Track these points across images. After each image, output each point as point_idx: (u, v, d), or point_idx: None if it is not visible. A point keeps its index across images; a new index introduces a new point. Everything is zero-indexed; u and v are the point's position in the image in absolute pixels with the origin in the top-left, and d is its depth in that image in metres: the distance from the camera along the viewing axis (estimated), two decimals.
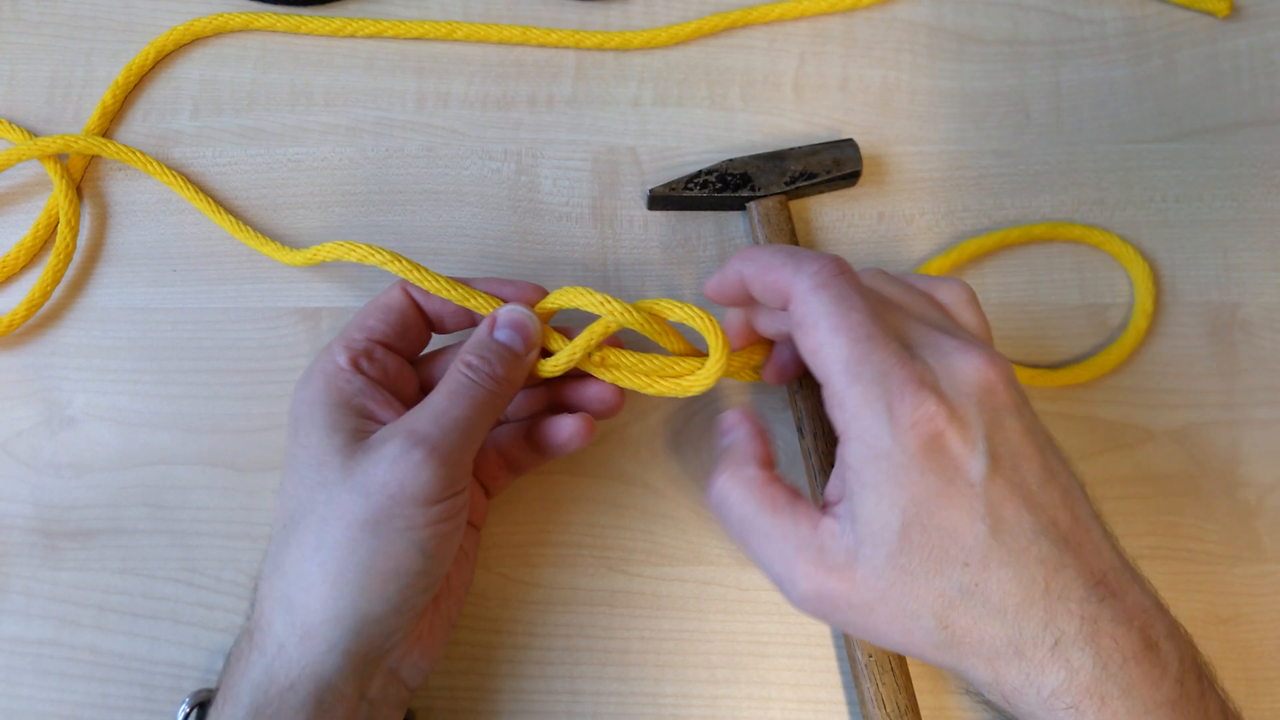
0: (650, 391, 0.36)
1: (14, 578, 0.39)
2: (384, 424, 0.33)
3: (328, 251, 0.38)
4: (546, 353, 0.36)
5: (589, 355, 0.36)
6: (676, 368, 0.36)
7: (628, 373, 0.36)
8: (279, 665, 0.30)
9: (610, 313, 0.35)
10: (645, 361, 0.36)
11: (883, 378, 0.29)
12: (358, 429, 0.33)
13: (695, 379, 0.35)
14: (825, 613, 0.30)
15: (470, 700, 0.38)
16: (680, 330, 0.37)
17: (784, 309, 0.32)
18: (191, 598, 0.39)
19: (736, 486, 0.32)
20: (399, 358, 0.37)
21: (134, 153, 0.43)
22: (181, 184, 0.43)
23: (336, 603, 0.30)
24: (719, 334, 0.34)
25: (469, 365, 0.34)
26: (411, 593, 0.31)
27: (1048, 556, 0.28)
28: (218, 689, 0.32)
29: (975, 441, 0.29)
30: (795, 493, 0.32)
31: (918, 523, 0.28)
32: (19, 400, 0.41)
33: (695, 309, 0.35)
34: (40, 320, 0.42)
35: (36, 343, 0.42)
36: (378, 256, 0.36)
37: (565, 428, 0.36)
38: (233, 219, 0.43)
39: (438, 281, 0.36)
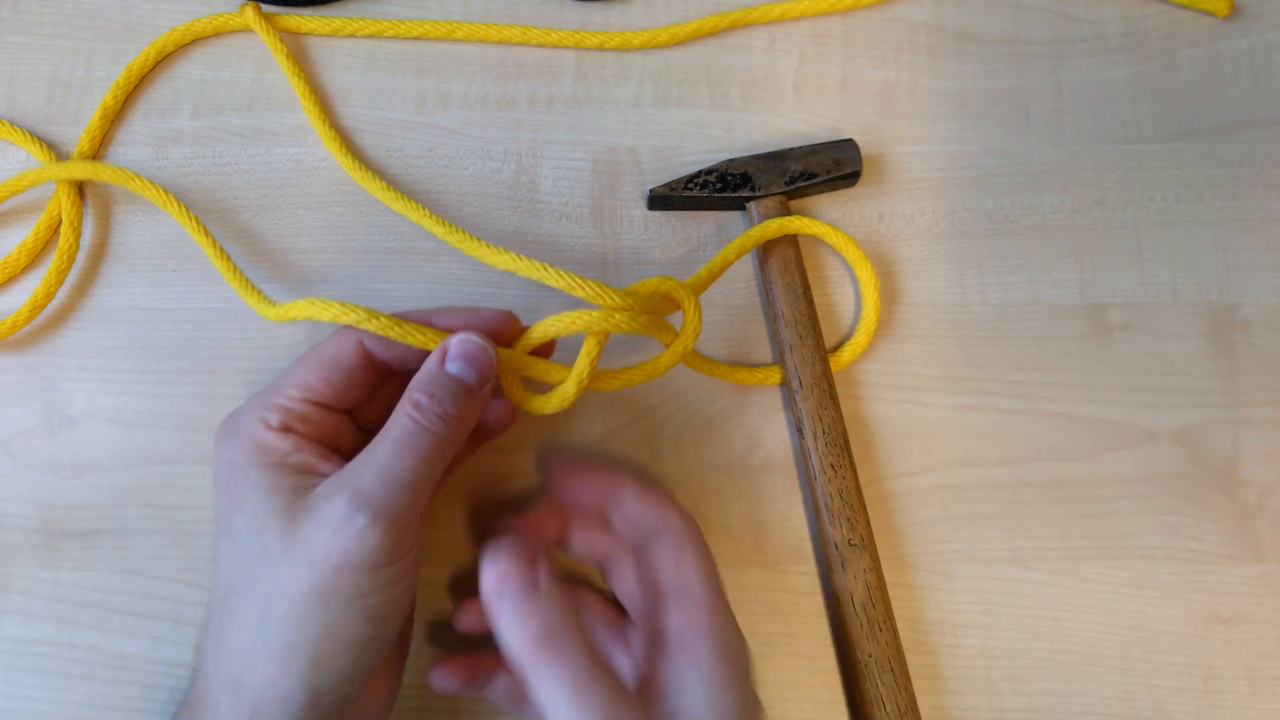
0: (654, 376, 0.36)
1: (14, 578, 0.39)
2: (324, 476, 0.31)
3: (299, 310, 0.34)
4: (543, 386, 0.35)
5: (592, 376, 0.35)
6: (657, 361, 0.36)
7: (628, 377, 0.36)
8: None
9: (599, 323, 0.33)
10: (636, 370, 0.36)
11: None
12: (296, 486, 0.30)
13: (680, 340, 0.35)
14: None
15: (470, 700, 0.38)
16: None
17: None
18: (191, 598, 0.39)
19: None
20: (339, 412, 0.34)
21: (156, 189, 0.42)
22: (195, 226, 0.42)
23: (286, 682, 0.29)
24: (688, 294, 0.35)
25: (417, 406, 0.31)
26: (363, 661, 0.30)
27: None
28: None
29: None
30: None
31: None
32: (19, 400, 0.41)
33: (662, 282, 0.35)
34: (41, 320, 0.42)
35: (37, 343, 0.42)
36: (352, 315, 0.32)
37: (492, 412, 0.36)
38: (227, 261, 0.40)
39: (422, 335, 0.33)
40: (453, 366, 0.32)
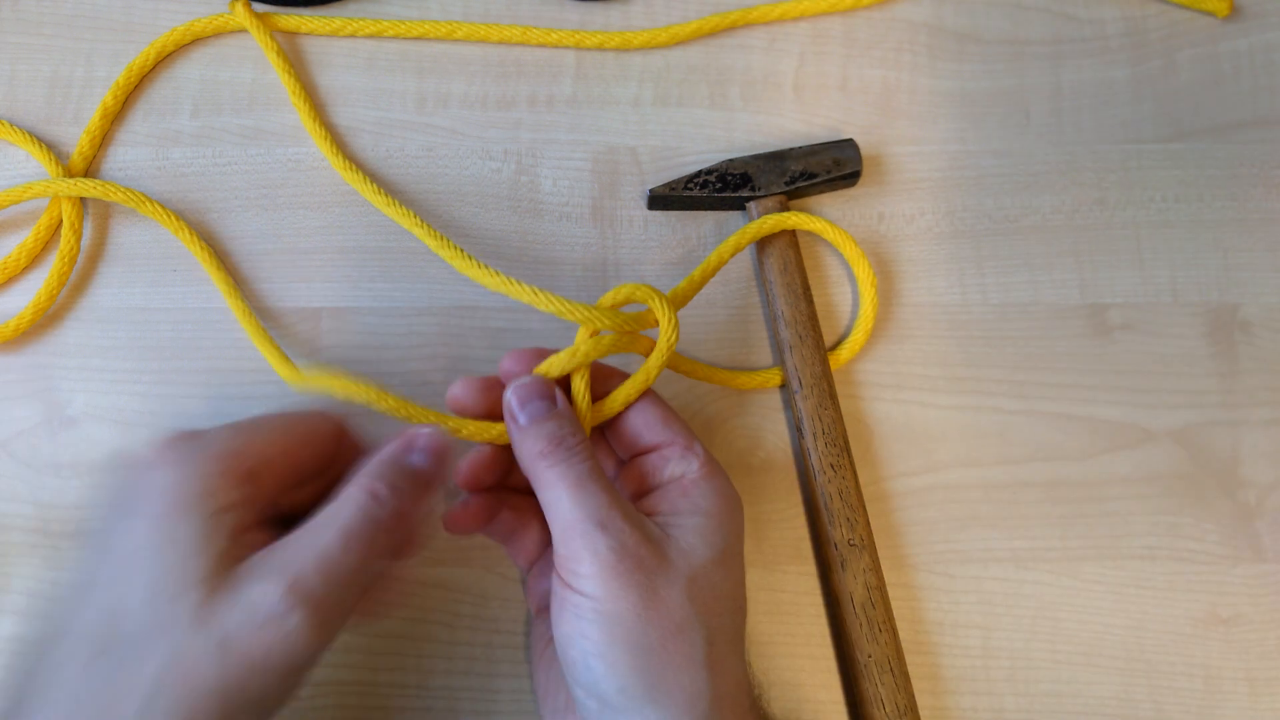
0: (650, 382, 0.36)
1: (14, 578, 0.39)
2: (256, 543, 0.28)
3: (318, 382, 0.34)
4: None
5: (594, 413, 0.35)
6: (646, 366, 0.35)
7: (627, 394, 0.36)
8: None
9: (571, 363, 0.34)
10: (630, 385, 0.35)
11: None
12: (226, 552, 0.27)
13: (659, 349, 0.35)
14: None
15: (470, 700, 0.38)
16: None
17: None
18: None
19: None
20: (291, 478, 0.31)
21: (167, 213, 0.42)
22: (222, 281, 0.42)
23: None
24: (661, 304, 0.35)
25: (375, 497, 0.29)
26: None
27: None
28: None
29: None
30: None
31: None
32: (19, 400, 0.41)
33: (629, 290, 0.35)
34: (41, 321, 0.42)
35: (37, 343, 0.42)
36: (362, 394, 0.33)
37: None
38: (241, 303, 0.41)
39: (426, 417, 0.33)
40: (418, 458, 0.31)
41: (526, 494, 0.36)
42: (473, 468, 0.34)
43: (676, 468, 0.34)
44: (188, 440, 0.29)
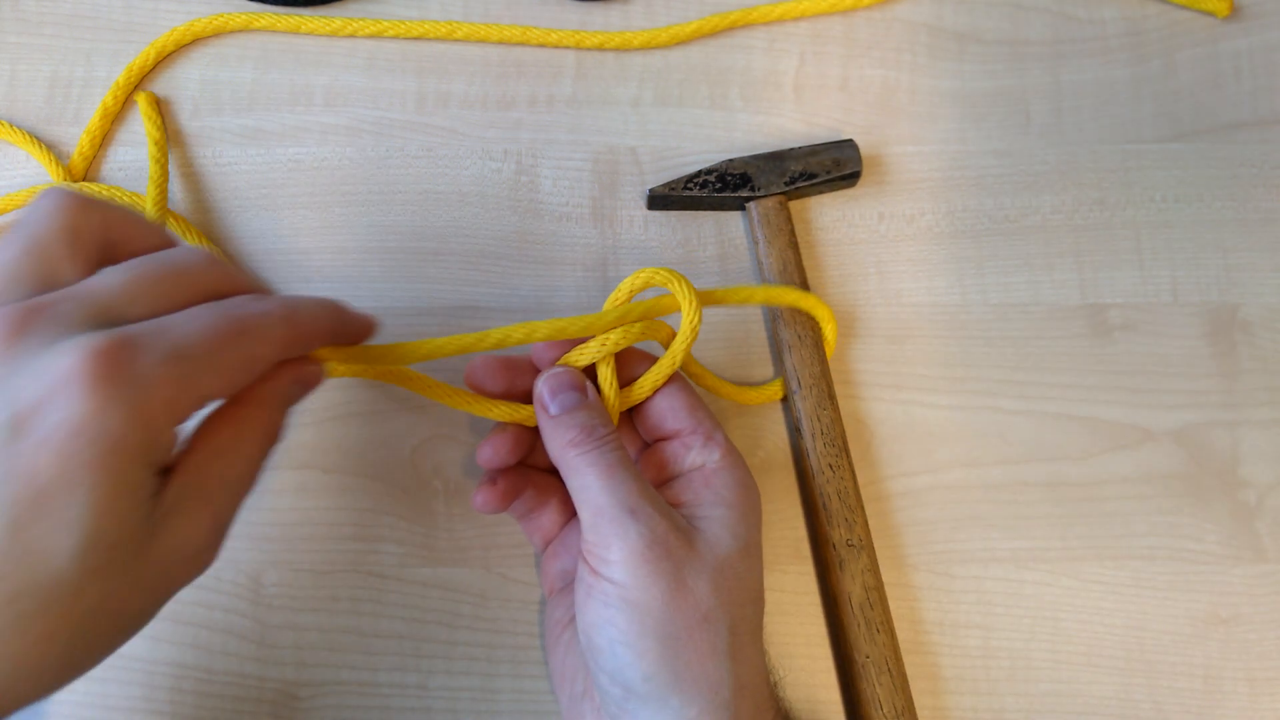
0: (676, 364, 0.36)
1: None
2: (165, 475, 0.26)
3: (346, 369, 0.35)
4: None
5: (622, 399, 0.35)
6: (672, 349, 0.36)
7: (654, 378, 0.36)
8: None
9: (599, 353, 0.34)
10: (657, 369, 0.36)
11: None
12: (156, 492, 0.25)
13: (683, 331, 0.35)
14: None
15: (470, 700, 0.38)
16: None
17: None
18: (191, 598, 0.39)
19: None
20: None
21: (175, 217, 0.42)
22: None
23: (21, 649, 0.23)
24: (684, 286, 0.35)
25: (276, 428, 0.29)
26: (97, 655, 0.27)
27: None
28: None
29: None
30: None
31: None
32: None
33: (649, 275, 0.35)
34: None
35: None
36: (400, 378, 0.35)
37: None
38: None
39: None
40: (297, 391, 0.30)
41: (547, 472, 0.37)
42: (496, 447, 0.35)
43: (698, 457, 0.35)
44: (131, 367, 0.24)
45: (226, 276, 0.29)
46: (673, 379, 0.36)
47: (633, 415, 0.38)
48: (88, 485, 0.23)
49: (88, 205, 0.27)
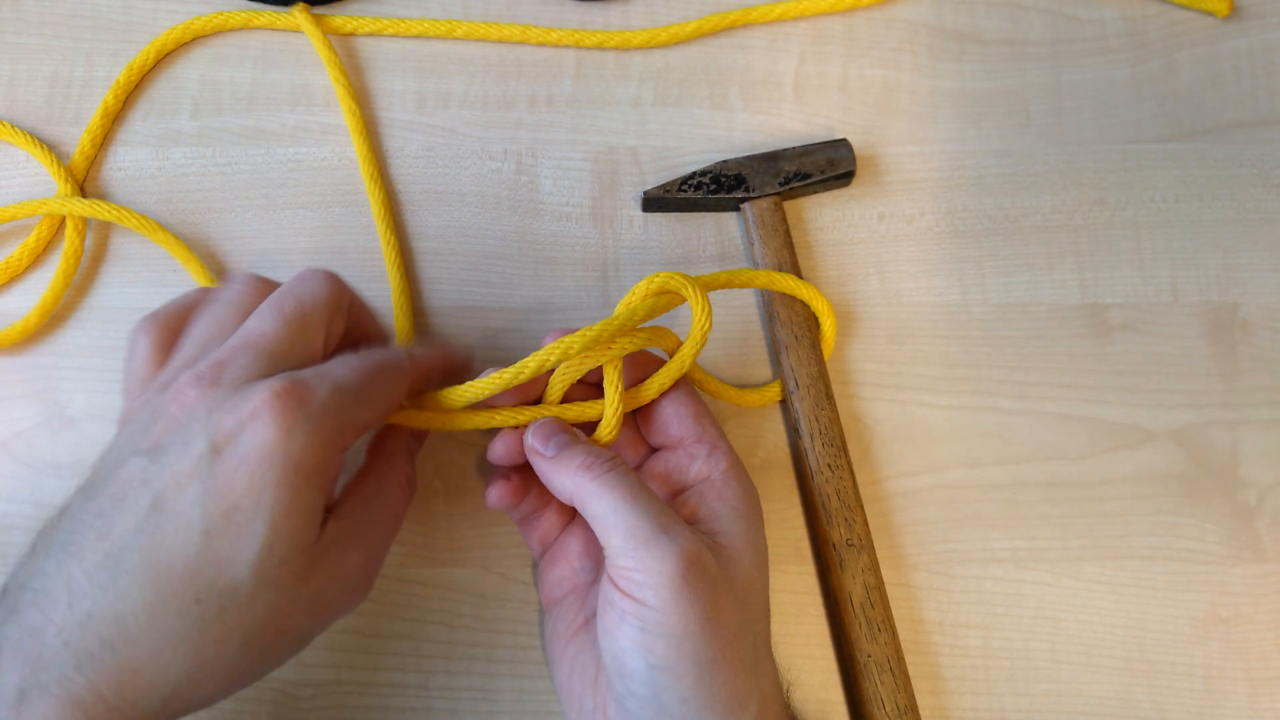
0: (684, 369, 0.36)
1: None
2: (328, 513, 0.30)
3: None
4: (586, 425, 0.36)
5: (627, 400, 0.35)
6: (680, 354, 0.35)
7: (660, 381, 0.36)
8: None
9: (605, 356, 0.34)
10: (665, 372, 0.35)
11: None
12: (316, 512, 0.29)
13: (693, 336, 0.35)
14: None
15: (470, 700, 0.38)
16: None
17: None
18: None
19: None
20: None
21: (156, 228, 0.43)
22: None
23: (216, 698, 0.28)
24: (692, 287, 0.34)
25: (410, 482, 0.35)
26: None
27: None
28: None
29: None
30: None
31: None
32: (19, 400, 0.41)
33: (663, 280, 0.34)
34: (44, 322, 0.42)
35: (37, 343, 0.42)
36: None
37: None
38: None
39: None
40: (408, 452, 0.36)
41: None
42: (508, 444, 0.35)
43: (704, 467, 0.35)
44: (310, 399, 0.28)
45: (361, 324, 0.36)
46: (679, 385, 0.36)
47: (638, 421, 0.37)
48: (270, 501, 0.27)
49: (344, 292, 0.34)
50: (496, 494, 0.36)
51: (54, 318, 0.42)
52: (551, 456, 0.33)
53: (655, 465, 0.36)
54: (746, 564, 0.32)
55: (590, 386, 0.37)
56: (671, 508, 0.33)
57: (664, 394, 0.36)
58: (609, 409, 0.35)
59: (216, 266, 0.43)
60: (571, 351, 0.32)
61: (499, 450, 0.35)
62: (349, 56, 0.47)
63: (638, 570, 0.30)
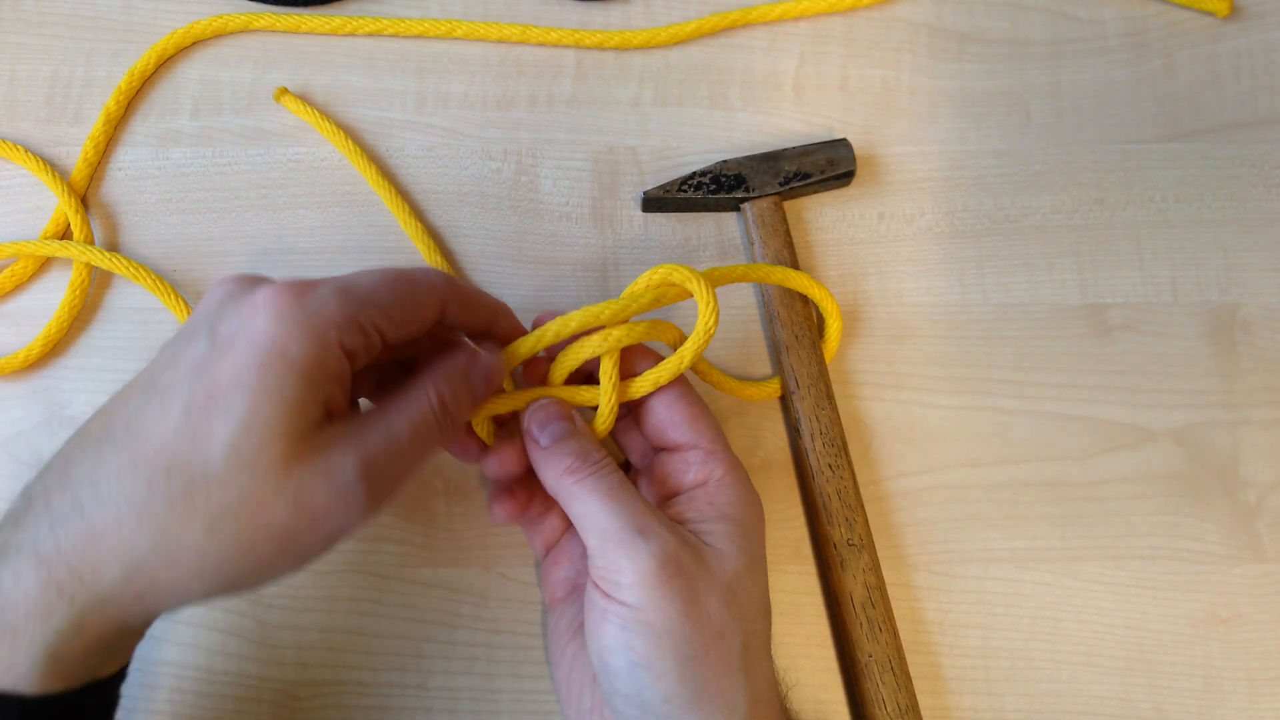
0: (682, 368, 0.35)
1: None
2: (337, 416, 0.29)
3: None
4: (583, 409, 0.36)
5: (620, 392, 0.35)
6: (681, 351, 0.35)
7: (656, 376, 0.35)
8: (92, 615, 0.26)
9: (606, 345, 0.34)
10: (663, 368, 0.35)
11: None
12: (312, 416, 0.28)
13: (697, 334, 0.35)
14: None
15: (470, 700, 0.38)
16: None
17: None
18: None
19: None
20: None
21: (148, 274, 0.42)
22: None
23: (191, 591, 0.27)
24: (698, 280, 0.34)
25: (443, 403, 0.30)
26: (245, 590, 0.29)
27: None
28: None
29: None
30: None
31: None
32: (19, 400, 0.41)
33: (667, 271, 0.34)
34: (45, 351, 0.42)
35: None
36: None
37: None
38: None
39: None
40: (476, 379, 0.32)
41: None
42: (503, 459, 0.35)
43: (700, 472, 0.34)
44: (308, 294, 0.28)
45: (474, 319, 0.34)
46: (677, 388, 0.36)
47: (639, 423, 0.37)
48: (251, 383, 0.26)
49: (459, 294, 0.32)
50: (501, 510, 0.35)
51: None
52: (544, 447, 0.33)
53: (656, 467, 0.36)
54: (733, 564, 0.32)
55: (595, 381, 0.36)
56: (662, 510, 0.33)
57: (660, 397, 0.36)
58: (603, 400, 0.34)
59: (217, 266, 0.43)
60: (568, 327, 0.33)
61: (494, 465, 0.35)
62: (349, 56, 0.47)
63: (613, 570, 0.30)
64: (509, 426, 0.36)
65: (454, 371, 0.31)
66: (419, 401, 0.30)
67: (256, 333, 0.27)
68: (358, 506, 0.28)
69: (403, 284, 0.30)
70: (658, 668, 0.30)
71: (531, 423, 0.34)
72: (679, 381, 0.36)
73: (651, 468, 0.37)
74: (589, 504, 0.31)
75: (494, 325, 0.34)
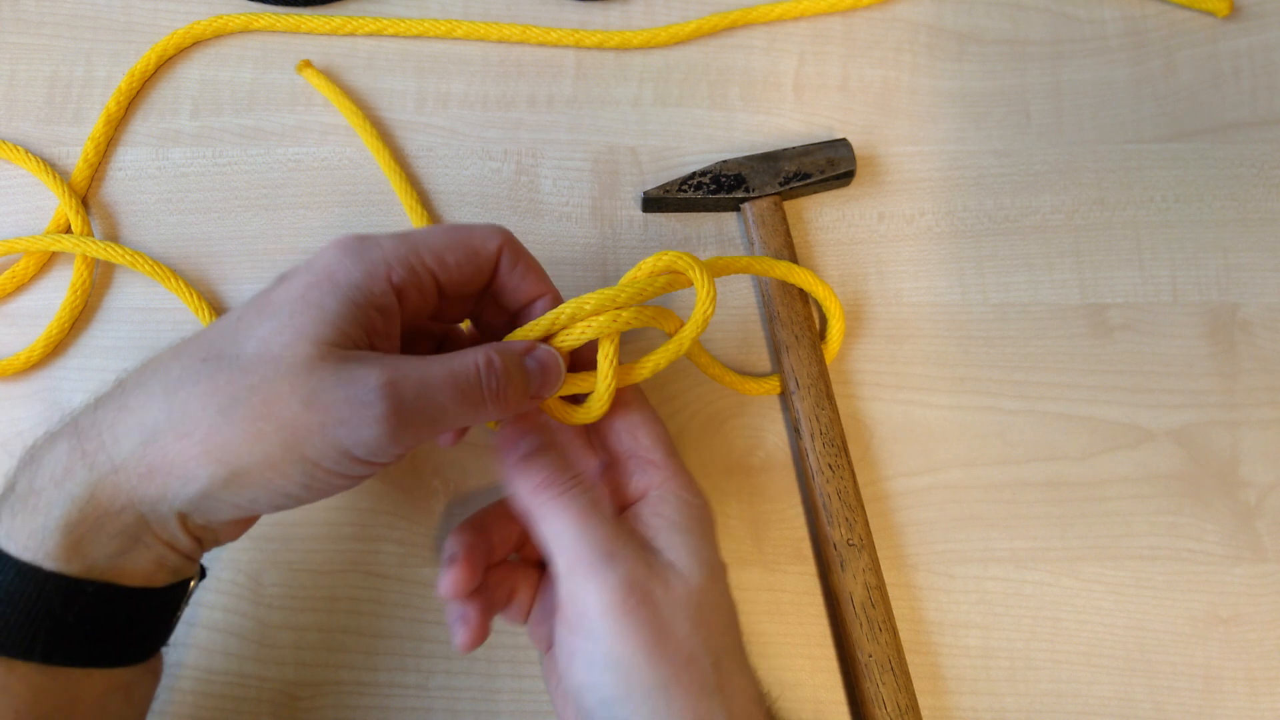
0: (681, 352, 0.35)
1: None
2: (375, 347, 0.30)
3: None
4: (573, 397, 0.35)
5: (620, 376, 0.35)
6: (680, 335, 0.35)
7: (656, 361, 0.35)
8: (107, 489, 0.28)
9: (609, 327, 0.33)
10: (661, 352, 0.35)
11: None
12: (351, 336, 0.29)
13: (694, 319, 0.34)
14: None
15: (470, 700, 0.38)
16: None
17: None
18: (192, 598, 0.39)
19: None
20: (428, 306, 0.33)
21: (154, 264, 0.42)
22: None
23: (186, 469, 0.27)
24: (696, 265, 0.34)
25: (490, 367, 0.30)
26: (261, 506, 0.29)
27: None
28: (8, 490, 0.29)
29: None
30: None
31: None
32: (19, 400, 0.41)
33: (671, 259, 0.34)
34: (45, 352, 0.42)
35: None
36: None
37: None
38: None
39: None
40: (530, 363, 0.32)
41: (500, 565, 0.36)
42: (456, 578, 0.33)
43: (640, 482, 0.34)
44: (371, 237, 0.31)
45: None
46: (623, 395, 0.35)
47: (590, 430, 0.36)
48: (295, 296, 0.29)
49: (517, 248, 0.33)
50: (448, 583, 0.33)
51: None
52: (516, 461, 0.32)
53: (605, 480, 0.35)
54: (695, 579, 0.31)
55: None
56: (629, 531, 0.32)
57: (658, 372, 0.35)
58: (601, 383, 0.34)
59: (217, 266, 0.43)
60: (584, 308, 0.33)
61: (447, 586, 0.33)
62: (349, 56, 0.47)
63: (579, 597, 0.30)
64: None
65: (511, 348, 0.32)
66: (466, 357, 0.30)
67: (318, 264, 0.30)
68: (372, 423, 0.27)
69: (459, 231, 0.32)
70: (629, 703, 0.29)
71: (508, 434, 0.33)
72: (626, 389, 0.35)
73: (602, 482, 0.36)
74: (558, 524, 0.31)
75: (544, 294, 0.34)
